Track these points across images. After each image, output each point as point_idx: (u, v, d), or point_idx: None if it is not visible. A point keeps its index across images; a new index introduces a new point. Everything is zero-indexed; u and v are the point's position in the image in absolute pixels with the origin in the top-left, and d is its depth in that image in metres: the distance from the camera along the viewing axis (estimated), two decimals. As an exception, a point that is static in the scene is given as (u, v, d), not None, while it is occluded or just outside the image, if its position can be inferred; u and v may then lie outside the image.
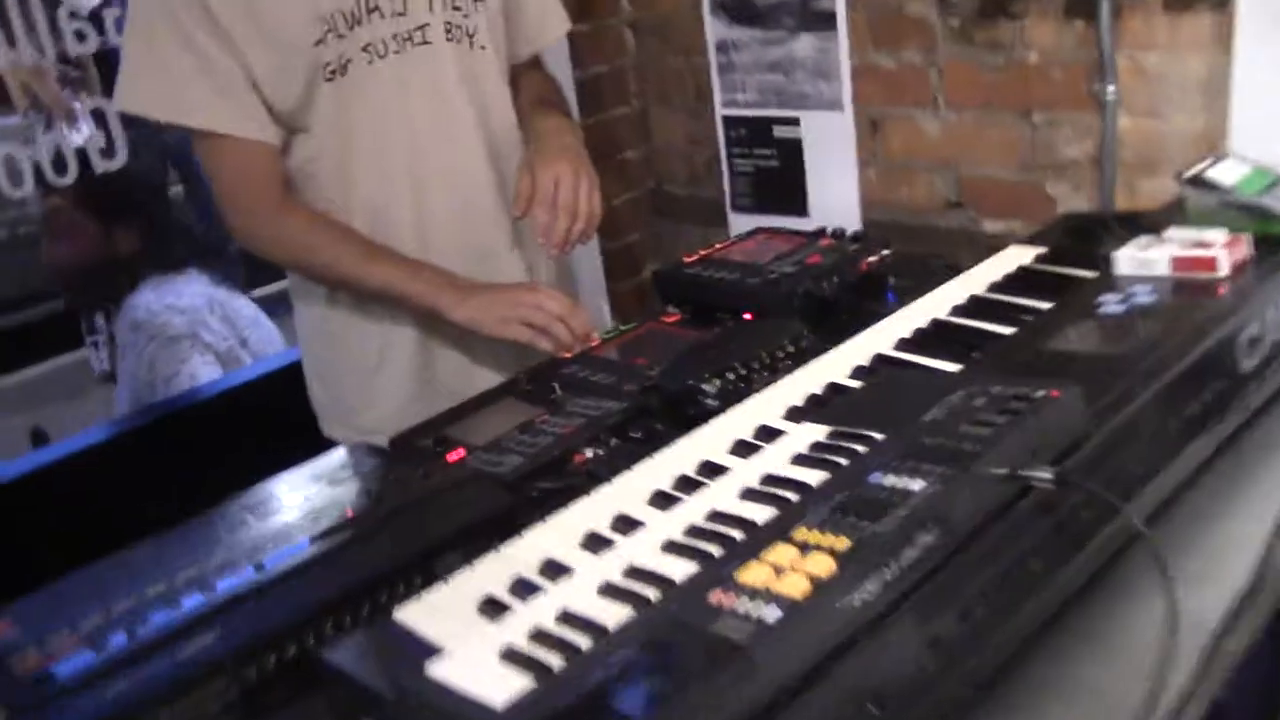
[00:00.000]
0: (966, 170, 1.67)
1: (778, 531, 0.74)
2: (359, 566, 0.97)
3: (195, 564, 0.98)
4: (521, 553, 0.89)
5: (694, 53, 1.91)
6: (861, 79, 1.73)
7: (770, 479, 0.85)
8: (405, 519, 1.03)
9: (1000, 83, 1.57)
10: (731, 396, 1.19)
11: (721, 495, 0.86)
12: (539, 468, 1.13)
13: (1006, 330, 1.15)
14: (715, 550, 0.77)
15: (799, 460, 0.87)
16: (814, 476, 0.83)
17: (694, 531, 0.81)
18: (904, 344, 1.17)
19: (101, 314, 2.05)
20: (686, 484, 0.93)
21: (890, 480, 0.77)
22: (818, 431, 0.91)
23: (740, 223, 2.01)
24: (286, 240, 1.44)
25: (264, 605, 0.92)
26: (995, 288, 1.28)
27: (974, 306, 1.24)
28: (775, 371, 1.24)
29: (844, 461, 0.84)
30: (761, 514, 0.80)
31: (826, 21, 1.72)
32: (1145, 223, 1.36)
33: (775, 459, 0.89)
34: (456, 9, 1.42)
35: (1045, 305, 1.19)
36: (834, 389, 1.09)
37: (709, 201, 2.03)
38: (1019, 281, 1.29)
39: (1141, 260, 1.18)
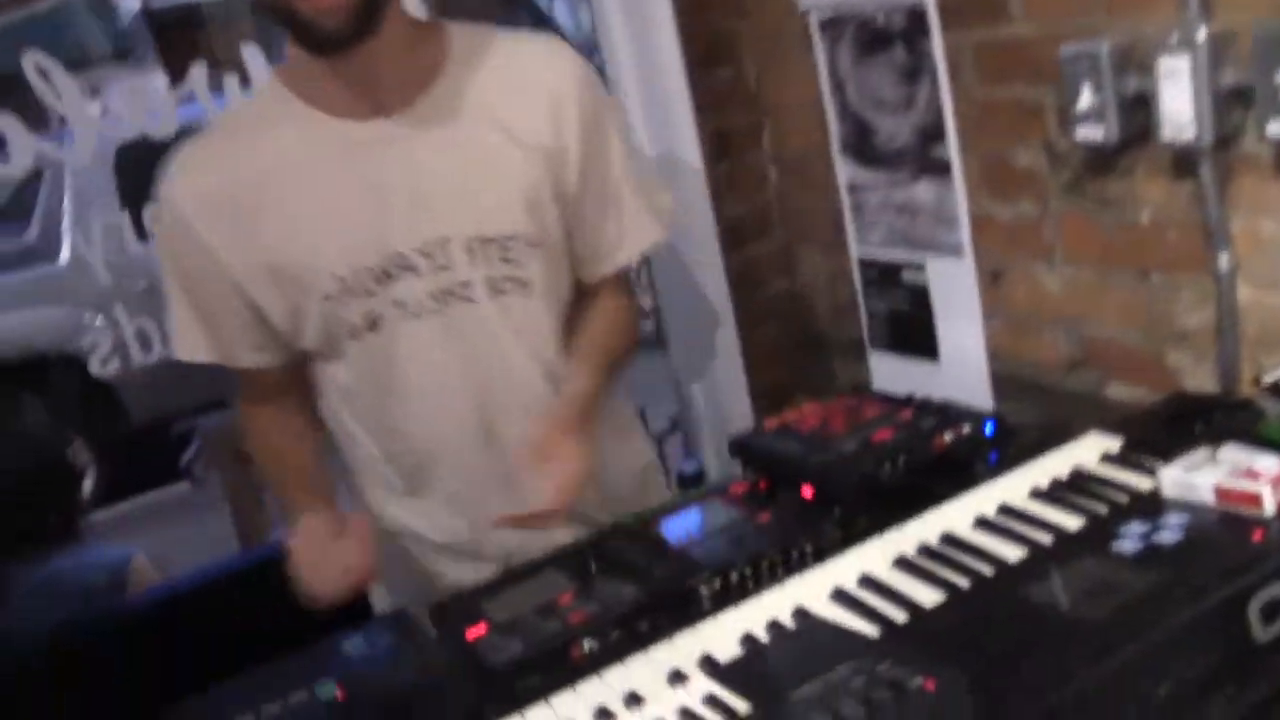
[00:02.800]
0: (1089, 329, 1.53)
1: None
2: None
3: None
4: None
5: (829, 192, 1.88)
6: (980, 228, 1.63)
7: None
8: (378, 712, 1.10)
9: (1116, 239, 1.43)
10: (725, 600, 1.17)
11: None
12: (535, 658, 1.17)
13: (1013, 555, 1.06)
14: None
15: None
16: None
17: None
18: (901, 563, 1.10)
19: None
20: (603, 715, 0.95)
21: (706, 775, 0.74)
22: (710, 687, 0.89)
23: (880, 362, 1.94)
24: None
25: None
26: (1036, 493, 1.17)
27: (998, 519, 1.14)
28: (786, 570, 1.20)
29: (698, 736, 0.82)
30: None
31: (943, 168, 1.64)
32: (1246, 418, 1.20)
33: (652, 716, 0.88)
34: (506, 261, 1.32)
35: (1072, 525, 1.08)
36: (802, 615, 1.05)
37: (850, 339, 1.97)
38: (1067, 486, 1.17)
39: (1186, 484, 1.05)
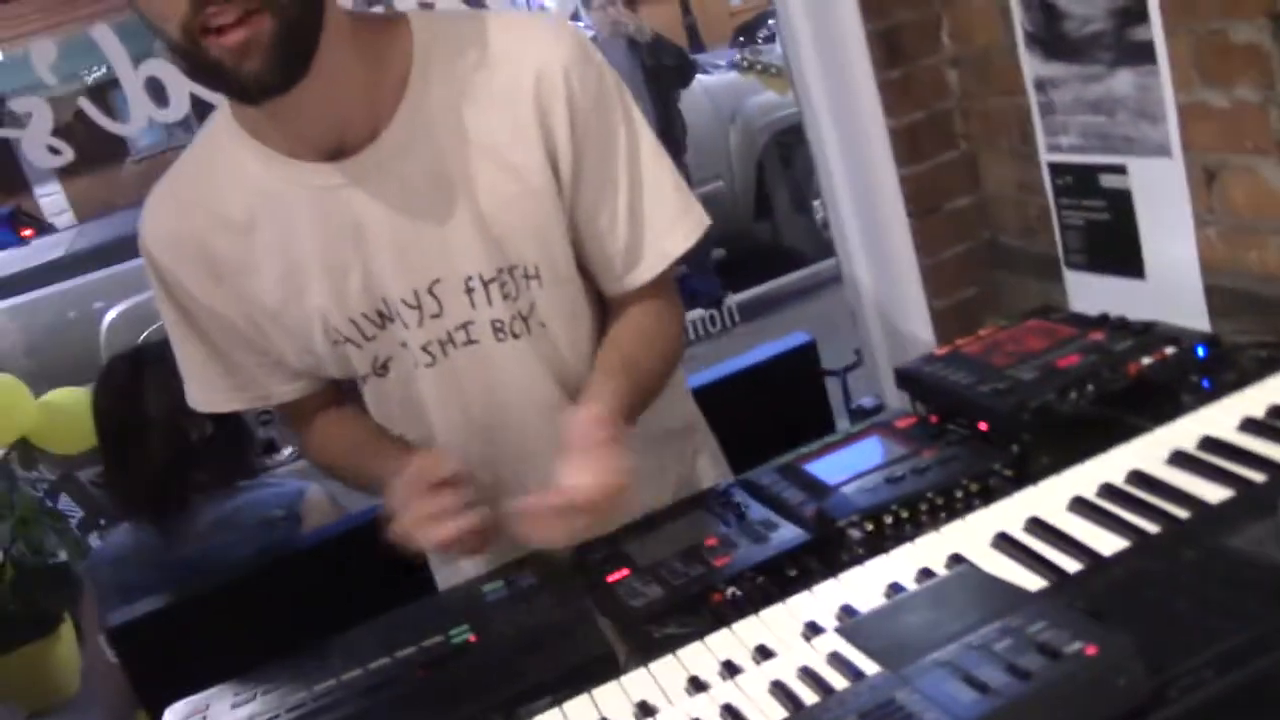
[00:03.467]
0: (1326, 232, 1.30)
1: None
2: (443, 704, 1.02)
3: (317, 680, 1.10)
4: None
5: (1015, 92, 1.68)
6: (1191, 120, 1.41)
7: (728, 710, 0.76)
8: (509, 655, 1.06)
9: (1360, 124, 1.20)
10: (878, 545, 1.06)
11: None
12: (674, 604, 1.10)
13: (1216, 496, 0.90)
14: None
15: (775, 689, 0.76)
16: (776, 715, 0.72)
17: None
18: (1080, 505, 0.96)
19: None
20: (729, 669, 0.87)
21: (815, 752, 0.65)
22: (839, 644, 0.79)
23: (1076, 281, 1.73)
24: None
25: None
26: (1249, 424, 1.00)
27: (1200, 454, 0.98)
28: (948, 512, 1.08)
29: (814, 699, 0.72)
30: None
31: (1145, 53, 1.43)
32: None
33: (774, 674, 0.79)
34: (507, 297, 1.17)
35: (1294, 461, 0.91)
36: (957, 562, 0.93)
37: (1044, 255, 1.78)
38: (1291, 417, 0.99)
39: None
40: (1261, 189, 1.36)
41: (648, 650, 1.02)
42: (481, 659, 1.07)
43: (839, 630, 0.80)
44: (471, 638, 1.11)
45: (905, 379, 1.39)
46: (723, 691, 0.79)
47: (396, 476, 1.12)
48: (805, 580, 1.05)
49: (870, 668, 0.73)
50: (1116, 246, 1.62)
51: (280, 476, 2.00)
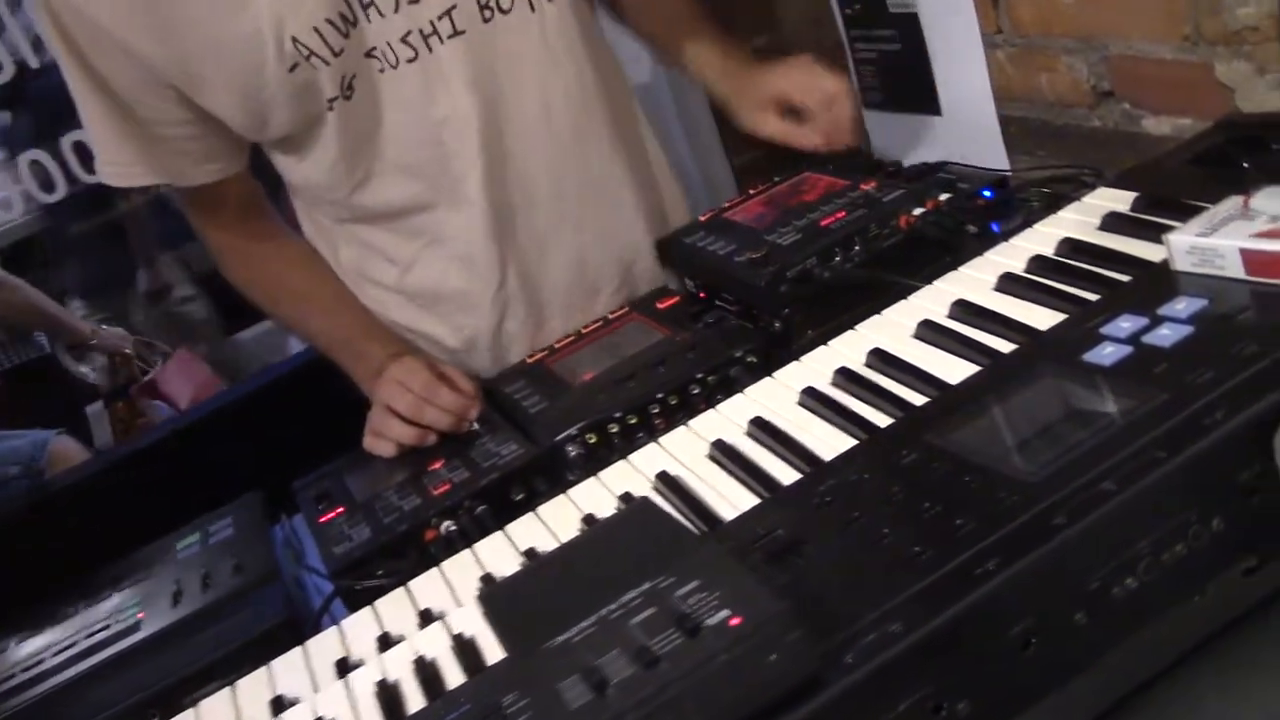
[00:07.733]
0: (1115, 47, 1.15)
1: None
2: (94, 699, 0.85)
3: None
4: None
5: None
6: (971, -73, 1.23)
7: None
8: (174, 636, 0.89)
9: (1143, -85, 1.04)
10: (596, 463, 0.91)
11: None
12: (380, 548, 0.94)
13: (964, 371, 0.76)
14: None
15: (380, 690, 0.60)
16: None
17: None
18: (811, 397, 0.81)
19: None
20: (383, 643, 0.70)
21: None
22: (472, 624, 0.63)
23: (876, 122, 1.57)
24: (242, 283, 1.23)
25: None
26: (1008, 281, 0.85)
27: (952, 321, 0.83)
28: (687, 412, 0.92)
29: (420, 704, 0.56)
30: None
31: None
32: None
33: (392, 666, 0.63)
34: None
35: (1047, 321, 0.77)
36: (664, 478, 0.78)
37: (844, 97, 1.60)
38: (1050, 268, 0.85)
39: (1204, 251, 0.72)
40: (1047, 2, 1.20)
41: (354, 606, 0.87)
42: (146, 641, 0.90)
43: (479, 599, 0.64)
44: (140, 614, 0.93)
45: (664, 251, 1.22)
46: (328, 697, 0.62)
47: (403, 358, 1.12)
48: (530, 506, 0.90)
49: (493, 652, 0.57)
50: (910, 80, 1.45)
51: (20, 430, 1.74)
